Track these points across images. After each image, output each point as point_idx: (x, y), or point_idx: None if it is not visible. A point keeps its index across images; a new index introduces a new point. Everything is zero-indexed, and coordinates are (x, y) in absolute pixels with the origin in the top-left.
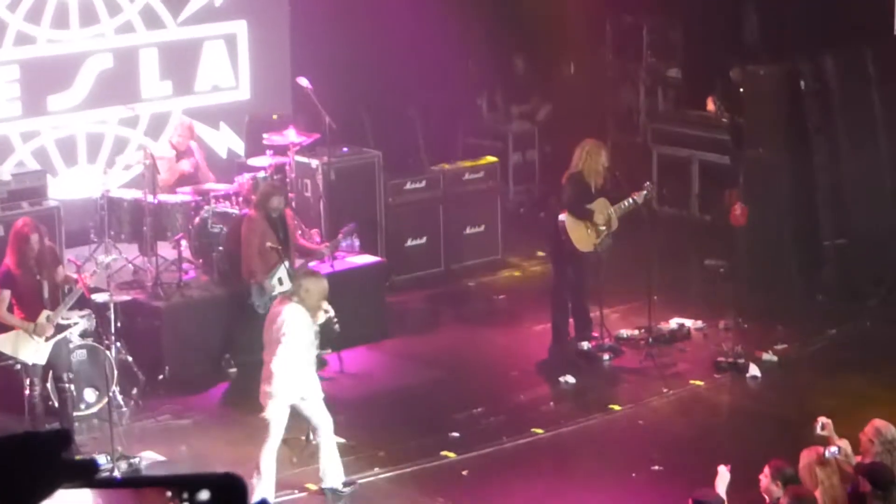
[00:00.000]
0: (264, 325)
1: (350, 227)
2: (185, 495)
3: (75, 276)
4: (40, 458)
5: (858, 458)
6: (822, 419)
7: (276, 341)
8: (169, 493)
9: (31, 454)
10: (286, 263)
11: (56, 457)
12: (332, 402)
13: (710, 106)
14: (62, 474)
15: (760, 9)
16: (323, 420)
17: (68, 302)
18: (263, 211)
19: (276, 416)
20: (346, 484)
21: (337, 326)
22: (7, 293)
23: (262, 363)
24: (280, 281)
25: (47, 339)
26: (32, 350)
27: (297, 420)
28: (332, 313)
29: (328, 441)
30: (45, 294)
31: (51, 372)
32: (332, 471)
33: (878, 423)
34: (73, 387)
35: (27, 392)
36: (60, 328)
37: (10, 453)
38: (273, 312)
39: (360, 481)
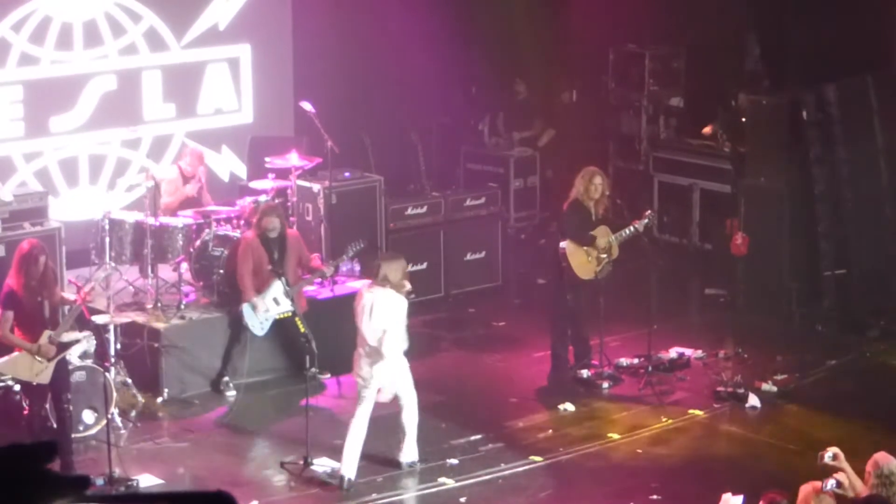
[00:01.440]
0: (356, 310)
1: (359, 242)
2: None
3: (73, 296)
4: (26, 471)
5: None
6: (832, 449)
7: (372, 325)
8: None
9: (16, 467)
10: (283, 283)
11: (44, 471)
12: (329, 427)
13: (707, 129)
14: (53, 489)
15: (763, 38)
16: (409, 396)
17: (68, 320)
18: (259, 231)
19: (368, 393)
20: (413, 463)
21: (412, 296)
22: (10, 314)
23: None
24: (276, 301)
25: (50, 360)
26: (35, 371)
27: (295, 445)
28: (408, 287)
29: (410, 418)
30: (47, 314)
31: (49, 393)
32: (408, 449)
33: (877, 456)
34: (71, 407)
35: (26, 412)
36: (62, 347)
37: None
38: (366, 298)
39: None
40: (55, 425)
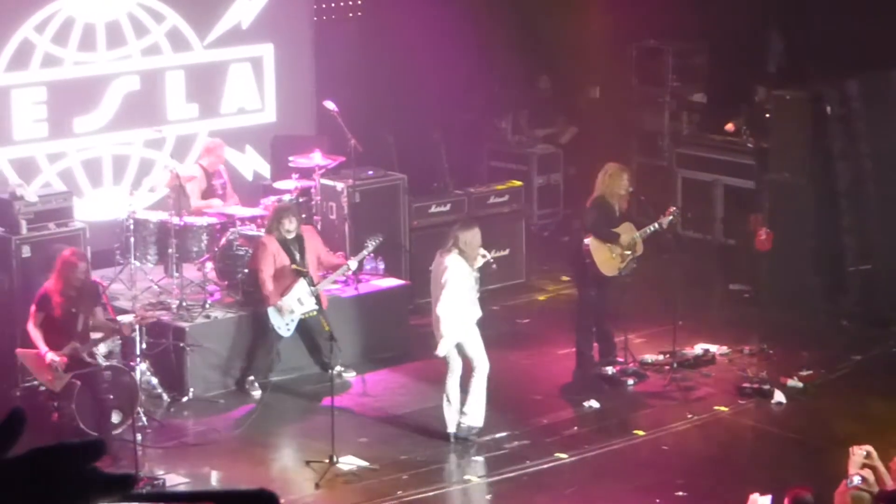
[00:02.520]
0: (431, 276)
1: (377, 237)
2: None
3: (114, 325)
4: (74, 470)
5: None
6: (865, 447)
7: (441, 289)
8: None
9: (63, 466)
10: (306, 282)
11: (91, 469)
12: (355, 425)
13: (730, 126)
14: (98, 488)
15: (785, 33)
16: (480, 361)
17: (97, 342)
18: (276, 233)
19: (449, 352)
20: (472, 428)
21: (494, 266)
22: (41, 315)
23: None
24: (300, 301)
25: (66, 371)
26: (48, 376)
27: (321, 444)
28: (489, 257)
29: (479, 382)
30: (79, 327)
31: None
32: (473, 412)
33: None
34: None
35: (55, 416)
36: (79, 364)
37: (42, 465)
38: (437, 263)
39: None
40: (81, 425)
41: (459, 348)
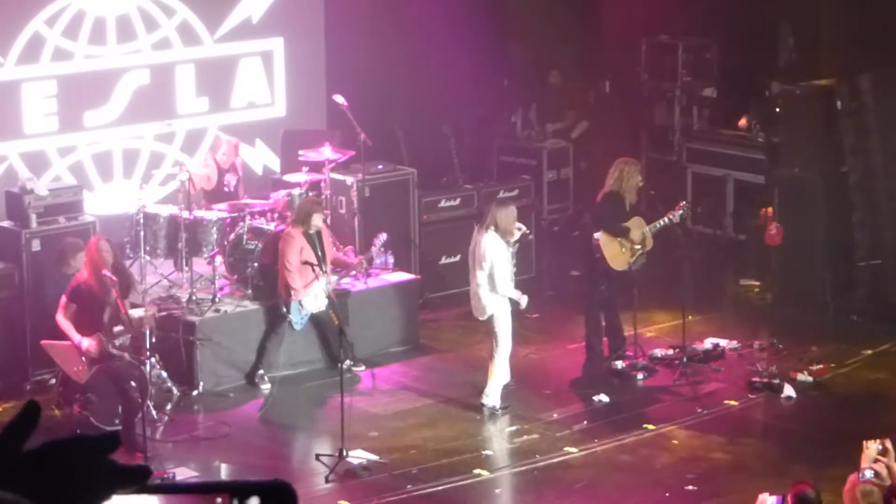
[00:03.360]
0: (469, 252)
1: (382, 237)
2: (236, 502)
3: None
4: (92, 462)
5: None
6: (882, 441)
7: (478, 266)
8: (219, 500)
9: (78, 458)
10: (322, 279)
11: (106, 461)
12: (364, 419)
13: (743, 122)
14: (115, 479)
15: (796, 27)
16: (504, 340)
17: (120, 336)
18: (302, 227)
19: (505, 323)
20: (494, 409)
21: (531, 236)
22: (74, 306)
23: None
24: (316, 296)
25: (92, 362)
26: (74, 367)
27: (331, 437)
28: (524, 229)
29: (499, 362)
30: (105, 318)
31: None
32: (493, 393)
33: None
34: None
35: (77, 410)
36: (107, 356)
37: (57, 457)
38: (474, 240)
39: (392, 499)
40: (92, 419)
41: (489, 322)
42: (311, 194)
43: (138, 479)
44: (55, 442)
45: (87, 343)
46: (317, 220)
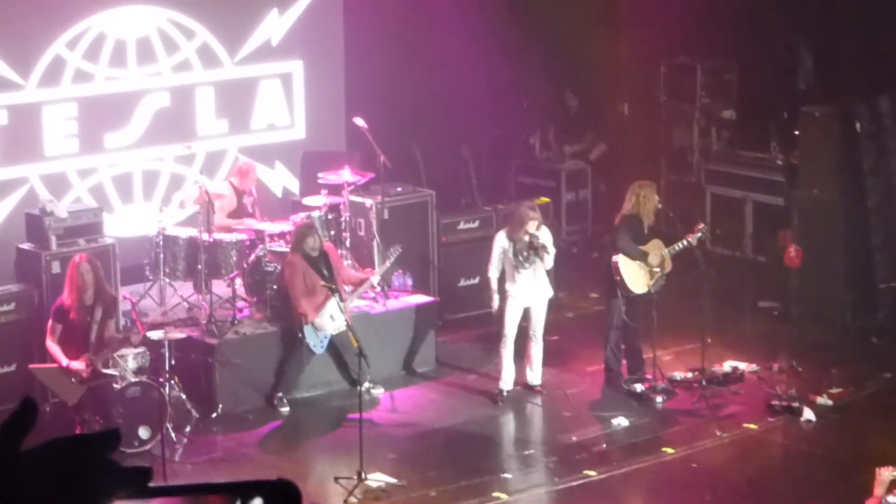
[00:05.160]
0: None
1: (397, 249)
2: (239, 502)
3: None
4: (91, 461)
5: None
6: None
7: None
8: (222, 500)
9: (81, 456)
10: (336, 298)
11: (108, 460)
12: (383, 441)
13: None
14: (117, 480)
15: (815, 50)
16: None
17: (109, 354)
18: (300, 252)
19: (506, 315)
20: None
21: (540, 242)
22: (59, 327)
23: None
24: (332, 317)
25: (81, 382)
26: (66, 388)
27: (349, 460)
28: (539, 239)
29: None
30: (92, 338)
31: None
32: (535, 372)
33: None
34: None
35: (79, 430)
36: (97, 375)
37: (60, 454)
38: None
39: None
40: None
41: (525, 313)
42: (330, 216)
43: (141, 480)
44: (58, 439)
45: (76, 365)
46: (312, 242)
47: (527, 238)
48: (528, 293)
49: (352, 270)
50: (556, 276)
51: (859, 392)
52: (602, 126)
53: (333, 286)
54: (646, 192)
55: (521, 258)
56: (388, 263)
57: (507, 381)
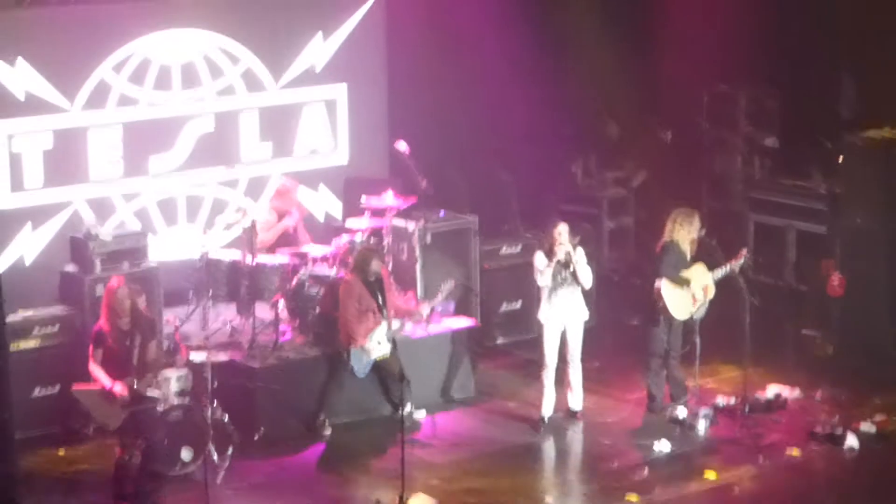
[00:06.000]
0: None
1: (450, 283)
2: None
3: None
4: None
5: None
6: None
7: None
8: None
9: None
10: (384, 325)
11: None
12: (424, 466)
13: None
14: None
15: (858, 78)
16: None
17: (154, 378)
18: (361, 275)
19: (545, 342)
20: (580, 414)
21: (564, 259)
22: (100, 352)
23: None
24: (379, 342)
25: (123, 408)
26: (107, 412)
27: (391, 483)
28: (571, 254)
29: (575, 371)
30: (135, 360)
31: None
32: (575, 397)
33: None
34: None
35: (118, 451)
36: (140, 399)
37: None
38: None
39: None
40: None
41: (563, 336)
42: (372, 240)
43: None
44: None
45: (119, 388)
46: (375, 267)
47: (562, 256)
48: (563, 315)
49: (398, 299)
50: (597, 302)
51: None
52: (644, 153)
53: (385, 313)
54: (686, 219)
55: (558, 278)
56: (440, 296)
57: (547, 408)
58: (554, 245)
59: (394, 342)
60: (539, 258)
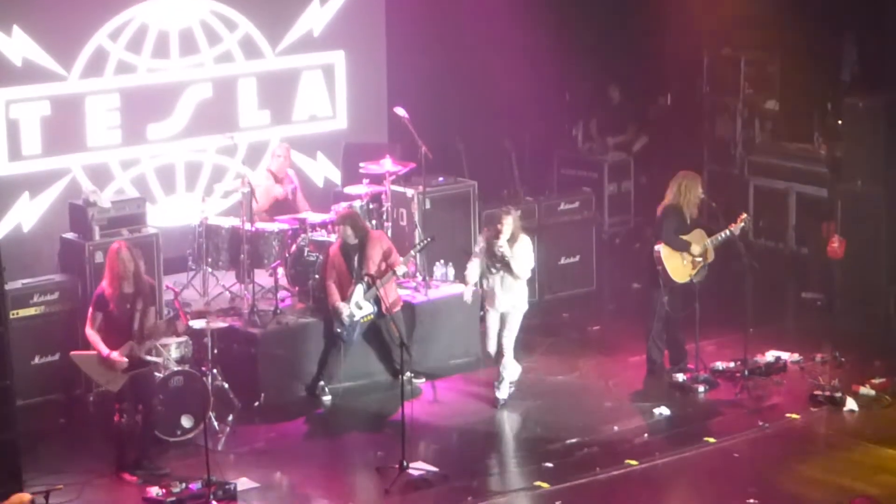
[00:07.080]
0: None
1: (425, 238)
2: None
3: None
4: None
5: None
6: None
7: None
8: None
9: None
10: (363, 287)
11: None
12: (426, 432)
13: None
14: None
15: (859, 41)
16: (507, 342)
17: (152, 342)
18: (341, 239)
19: (486, 319)
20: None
21: (501, 249)
22: (99, 315)
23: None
24: (358, 305)
25: (123, 371)
26: (106, 378)
27: (391, 450)
28: (497, 247)
29: (507, 353)
30: (135, 325)
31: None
32: (502, 389)
33: None
34: (158, 410)
35: (116, 418)
36: (140, 363)
37: None
38: None
39: None
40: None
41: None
42: (371, 206)
43: None
44: None
45: (115, 356)
46: (343, 233)
47: (497, 251)
48: (498, 303)
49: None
50: (597, 266)
51: None
52: (644, 118)
53: (362, 275)
54: (688, 183)
55: (491, 268)
56: (412, 252)
57: (502, 391)
58: (498, 235)
59: (380, 305)
60: (479, 242)
